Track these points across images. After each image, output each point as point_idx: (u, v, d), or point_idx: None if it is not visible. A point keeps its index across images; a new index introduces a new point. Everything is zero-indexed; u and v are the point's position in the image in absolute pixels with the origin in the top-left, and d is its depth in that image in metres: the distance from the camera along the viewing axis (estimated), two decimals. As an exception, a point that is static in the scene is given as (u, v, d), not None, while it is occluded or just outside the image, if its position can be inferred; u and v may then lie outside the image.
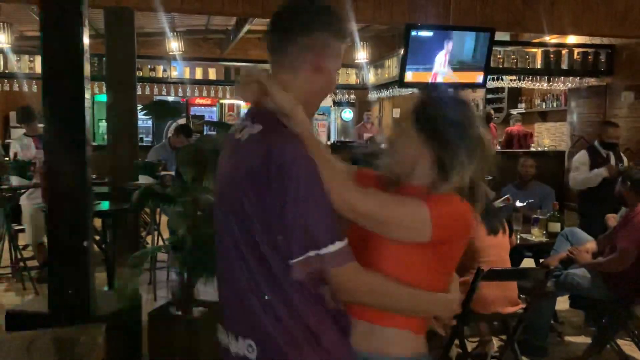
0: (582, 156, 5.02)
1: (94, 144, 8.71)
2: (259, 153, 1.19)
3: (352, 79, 9.12)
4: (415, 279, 1.29)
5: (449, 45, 5.97)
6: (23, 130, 5.62)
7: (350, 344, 1.29)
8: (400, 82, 6.15)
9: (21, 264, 4.84)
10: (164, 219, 5.44)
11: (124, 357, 2.84)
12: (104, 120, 10.60)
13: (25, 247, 5.20)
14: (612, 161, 4.82)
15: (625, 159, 5.06)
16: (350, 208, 1.24)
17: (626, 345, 3.51)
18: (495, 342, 3.57)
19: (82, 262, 2.48)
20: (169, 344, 2.77)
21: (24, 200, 5.00)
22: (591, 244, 3.53)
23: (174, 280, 4.94)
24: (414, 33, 5.81)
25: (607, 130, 4.99)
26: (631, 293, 3.17)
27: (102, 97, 10.24)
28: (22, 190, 4.85)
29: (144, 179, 4.80)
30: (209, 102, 10.95)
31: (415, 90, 7.20)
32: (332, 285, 1.22)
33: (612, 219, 3.78)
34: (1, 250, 4.66)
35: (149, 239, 5.41)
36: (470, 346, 3.50)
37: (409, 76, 6.01)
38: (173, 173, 4.95)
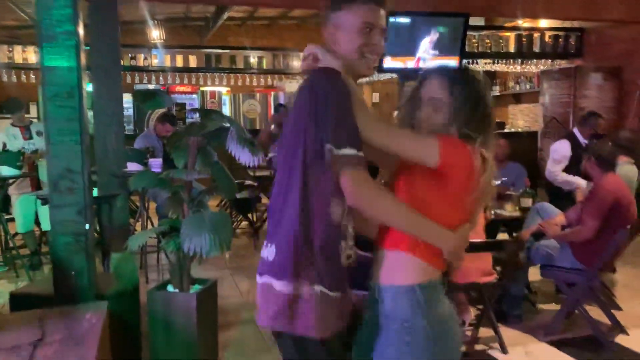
0: (564, 149, 4.93)
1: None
2: (306, 85, 1.51)
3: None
4: (424, 205, 1.49)
5: (432, 31, 6.15)
6: (6, 121, 5.66)
7: (338, 262, 1.50)
8: (379, 67, 6.30)
9: (13, 252, 4.94)
10: (152, 205, 5.57)
11: (125, 335, 3.00)
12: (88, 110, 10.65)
13: (15, 235, 5.29)
14: None
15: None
16: (378, 136, 1.50)
17: (593, 310, 3.78)
18: (473, 311, 3.81)
19: (84, 244, 2.62)
20: (167, 320, 2.93)
21: (13, 190, 5.08)
22: (560, 217, 3.77)
23: (165, 264, 5.11)
24: (392, 19, 5.97)
25: (599, 123, 5.02)
26: (596, 262, 3.42)
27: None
28: (11, 180, 4.93)
29: (132, 166, 4.92)
30: (189, 89, 10.98)
31: (393, 75, 7.39)
32: (343, 187, 1.44)
33: (580, 193, 4.02)
34: (-7, 240, 4.75)
35: (137, 225, 5.53)
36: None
37: (388, 61, 6.18)
38: (160, 161, 5.09)
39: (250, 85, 10.35)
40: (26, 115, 5.60)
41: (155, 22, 8.36)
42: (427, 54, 6.21)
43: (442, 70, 1.63)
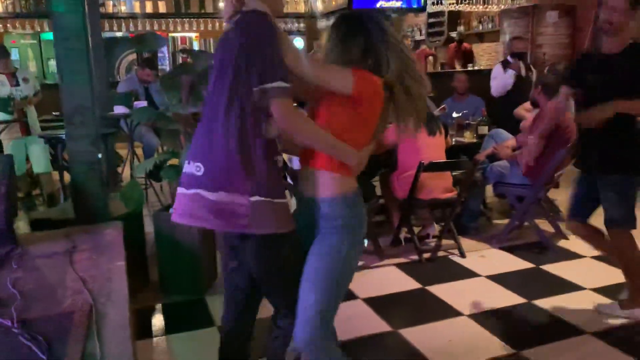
0: (496, 69, 5.81)
1: (47, 82, 8.83)
2: (239, 24, 1.74)
3: (301, 8, 9.45)
4: (340, 127, 1.77)
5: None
6: None
7: (279, 177, 1.78)
8: (348, 8, 6.56)
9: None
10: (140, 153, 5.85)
11: (133, 254, 3.40)
12: (53, 59, 10.68)
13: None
14: (523, 70, 5.56)
15: (534, 71, 5.80)
16: (305, 69, 1.76)
17: (542, 223, 4.34)
18: (436, 227, 4.34)
19: (98, 171, 2.98)
20: (172, 238, 3.35)
21: (3, 136, 5.31)
22: (511, 141, 4.27)
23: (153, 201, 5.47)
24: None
25: (513, 43, 5.82)
26: (541, 177, 3.94)
27: (50, 35, 10.23)
28: (1, 127, 5.16)
29: (118, 109, 5.19)
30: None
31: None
32: (274, 113, 1.68)
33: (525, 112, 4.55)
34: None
35: (126, 172, 5.80)
36: (415, 230, 4.26)
37: (356, 2, 6.45)
38: (145, 103, 5.37)
39: (219, 30, 10.46)
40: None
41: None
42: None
43: (344, 16, 1.91)
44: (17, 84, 5.30)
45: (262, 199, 1.72)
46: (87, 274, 2.30)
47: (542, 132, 3.86)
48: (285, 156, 4.32)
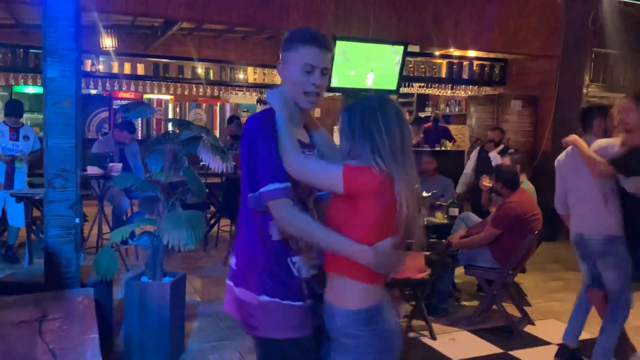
0: (473, 154, 6.02)
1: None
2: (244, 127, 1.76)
3: (279, 80, 9.71)
4: (334, 224, 1.65)
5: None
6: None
7: (286, 274, 1.71)
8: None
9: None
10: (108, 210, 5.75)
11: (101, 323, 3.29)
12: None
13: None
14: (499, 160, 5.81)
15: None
16: (293, 170, 1.65)
17: (507, 306, 4.42)
18: (407, 307, 4.35)
19: (73, 237, 2.93)
20: (142, 308, 3.26)
21: None
22: (461, 231, 4.38)
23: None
24: (339, 43, 6.54)
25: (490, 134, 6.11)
26: (510, 261, 4.05)
27: (21, 88, 10.20)
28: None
29: (92, 170, 5.15)
30: (132, 96, 11.08)
31: (337, 93, 7.95)
32: (272, 214, 1.66)
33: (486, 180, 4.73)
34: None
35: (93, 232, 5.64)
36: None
37: (335, 81, 6.72)
38: (120, 165, 5.35)
39: (194, 95, 10.62)
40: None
41: (108, 30, 8.50)
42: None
43: (347, 105, 1.73)
44: (16, 139, 5.27)
45: (270, 299, 1.71)
46: (57, 346, 2.21)
47: (498, 222, 4.01)
48: None
